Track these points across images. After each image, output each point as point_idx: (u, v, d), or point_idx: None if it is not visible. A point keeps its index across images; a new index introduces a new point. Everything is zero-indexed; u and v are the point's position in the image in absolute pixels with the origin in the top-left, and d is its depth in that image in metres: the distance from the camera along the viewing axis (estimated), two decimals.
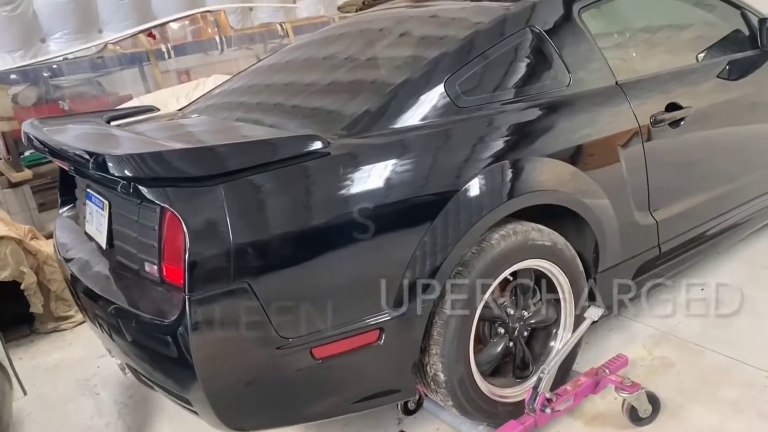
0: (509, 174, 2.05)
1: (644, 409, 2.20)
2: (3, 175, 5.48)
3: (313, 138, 1.82)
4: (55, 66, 5.48)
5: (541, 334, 2.37)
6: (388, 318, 1.89)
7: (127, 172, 1.66)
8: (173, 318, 1.69)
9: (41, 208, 5.43)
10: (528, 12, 2.32)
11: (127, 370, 2.28)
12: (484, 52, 2.18)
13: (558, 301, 2.34)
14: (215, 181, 1.68)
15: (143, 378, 2.01)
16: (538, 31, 2.30)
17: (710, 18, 2.97)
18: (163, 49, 5.87)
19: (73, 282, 2.36)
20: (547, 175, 2.14)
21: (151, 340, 1.80)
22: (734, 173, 2.87)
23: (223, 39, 6.14)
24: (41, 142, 2.13)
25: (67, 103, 5.39)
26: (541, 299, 2.32)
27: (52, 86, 5.41)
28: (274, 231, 1.74)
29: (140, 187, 1.72)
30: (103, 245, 2.14)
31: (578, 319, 2.33)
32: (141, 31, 5.86)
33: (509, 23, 2.27)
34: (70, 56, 5.72)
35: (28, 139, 2.29)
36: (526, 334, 2.31)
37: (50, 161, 5.76)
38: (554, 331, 2.36)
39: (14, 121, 5.24)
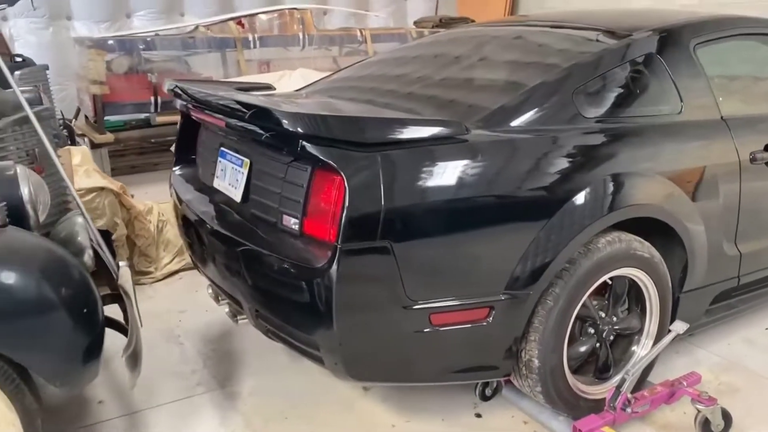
0: (625, 185, 2.22)
1: (717, 423, 2.32)
2: (85, 136, 5.75)
3: (458, 124, 2.01)
4: (148, 39, 5.74)
5: (623, 341, 2.51)
6: (500, 299, 2.06)
7: (300, 129, 1.85)
8: (319, 265, 1.87)
9: (113, 173, 5.69)
10: (653, 41, 2.50)
11: (238, 318, 2.47)
12: (611, 70, 2.36)
13: (643, 312, 2.48)
14: (374, 149, 1.87)
15: (268, 323, 2.19)
16: (660, 59, 2.47)
17: None
18: (250, 38, 6.11)
19: (194, 228, 2.56)
20: (658, 192, 2.31)
21: (292, 284, 1.97)
22: None
23: (306, 37, 6.38)
24: (201, 96, 2.33)
25: (155, 76, 5.65)
26: (629, 308, 2.47)
27: (143, 58, 5.67)
28: (417, 201, 1.92)
29: (306, 144, 1.89)
30: (238, 199, 2.33)
31: (660, 331, 2.47)
32: (232, 18, 6.13)
33: (636, 47, 2.45)
34: (164, 32, 5.99)
35: (181, 93, 2.51)
36: (611, 338, 2.45)
37: (128, 128, 6.03)
38: (636, 338, 2.49)
39: (105, 85, 5.51)
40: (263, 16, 6.27)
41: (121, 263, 2.31)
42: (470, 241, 2.00)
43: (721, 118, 2.59)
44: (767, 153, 2.63)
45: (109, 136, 5.65)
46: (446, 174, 1.96)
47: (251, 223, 2.24)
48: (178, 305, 3.49)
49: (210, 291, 2.71)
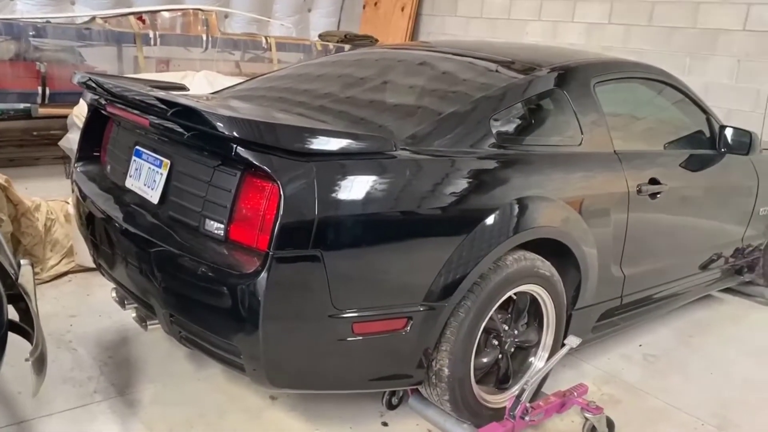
0: (532, 207, 2.39)
1: (602, 431, 2.53)
2: None
3: (389, 141, 2.09)
4: (39, 26, 5.39)
5: (521, 353, 2.67)
6: (418, 310, 2.15)
7: (236, 133, 1.85)
8: (247, 271, 1.87)
9: None
10: (561, 76, 2.72)
11: (147, 323, 2.39)
12: (524, 101, 2.54)
13: (541, 326, 2.66)
14: (310, 159, 1.90)
15: (184, 328, 2.13)
16: (565, 94, 2.69)
17: (682, 116, 3.49)
18: (150, 34, 5.90)
19: (101, 228, 2.45)
20: (560, 216, 2.50)
21: (215, 289, 1.95)
22: (686, 248, 3.35)
23: (210, 38, 6.25)
24: (120, 91, 2.26)
25: (45, 65, 5.31)
26: (527, 322, 2.64)
27: (32, 45, 5.31)
28: (348, 212, 1.97)
29: (240, 149, 1.89)
30: (155, 200, 2.27)
31: (555, 344, 2.66)
32: (134, 13, 5.89)
33: (545, 81, 2.65)
34: (57, 20, 5.65)
35: (95, 86, 2.41)
36: (512, 350, 2.60)
37: (7, 118, 5.62)
38: (534, 350, 2.67)
39: None
40: (166, 14, 6.07)
41: (22, 261, 2.16)
42: (394, 253, 2.08)
43: (614, 151, 2.85)
44: (651, 186, 2.92)
45: None
46: (375, 187, 2.03)
47: (169, 226, 2.18)
48: (68, 309, 3.30)
49: (114, 294, 2.60)
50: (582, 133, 2.73)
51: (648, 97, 3.37)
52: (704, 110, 3.49)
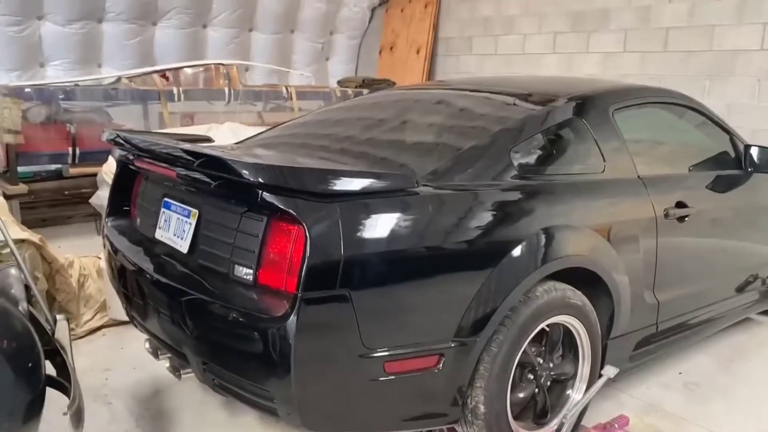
0: (559, 237, 2.38)
1: None
2: None
3: (410, 178, 2.11)
4: (68, 89, 5.59)
5: (558, 386, 2.62)
6: (450, 346, 2.13)
7: (261, 179, 1.88)
8: (277, 315, 1.88)
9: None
10: (579, 106, 2.73)
11: (181, 372, 2.40)
12: (544, 131, 2.55)
13: (576, 358, 2.61)
14: (333, 200, 1.93)
15: (217, 375, 2.14)
16: (584, 122, 2.70)
17: (705, 138, 3.46)
18: (174, 90, 6.08)
19: (133, 280, 2.49)
20: (588, 244, 2.48)
21: (246, 335, 1.96)
22: (720, 272, 3.29)
23: (232, 91, 6.41)
24: (147, 146, 2.32)
25: (74, 126, 5.49)
26: (563, 354, 2.60)
27: (62, 108, 5.50)
28: (374, 250, 1.98)
29: (265, 194, 1.92)
30: (185, 250, 2.30)
31: (592, 375, 2.61)
32: (157, 71, 6.09)
33: (564, 111, 2.67)
34: (84, 83, 5.86)
35: (123, 143, 2.48)
36: (548, 383, 2.56)
37: (40, 180, 5.80)
38: (571, 383, 2.61)
39: (20, 135, 5.29)
40: (188, 70, 6.27)
41: (58, 317, 2.21)
42: (422, 289, 2.07)
43: (638, 177, 2.83)
44: (678, 209, 2.89)
45: (23, 187, 5.38)
46: (399, 224, 2.04)
47: (199, 274, 2.21)
48: (102, 363, 3.33)
49: (148, 345, 2.63)
50: (604, 160, 2.72)
51: (669, 121, 3.36)
52: (727, 131, 3.46)
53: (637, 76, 6.24)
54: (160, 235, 2.50)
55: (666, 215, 2.84)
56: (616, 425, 2.51)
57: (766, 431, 2.82)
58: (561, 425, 2.35)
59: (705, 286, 3.23)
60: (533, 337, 2.43)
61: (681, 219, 2.91)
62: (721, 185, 3.27)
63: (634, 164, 2.85)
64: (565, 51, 7.05)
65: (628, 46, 6.46)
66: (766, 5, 5.43)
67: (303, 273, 1.84)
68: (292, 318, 1.85)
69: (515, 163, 2.44)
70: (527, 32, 7.43)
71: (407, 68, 8.74)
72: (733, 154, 3.46)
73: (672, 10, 6.08)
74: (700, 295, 3.21)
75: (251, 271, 2.02)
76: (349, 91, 7.23)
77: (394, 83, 7.78)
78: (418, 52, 8.70)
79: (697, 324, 3.24)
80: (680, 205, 2.91)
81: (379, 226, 1.99)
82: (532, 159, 2.57)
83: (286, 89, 6.84)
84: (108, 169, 4.77)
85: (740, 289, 3.50)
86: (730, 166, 3.42)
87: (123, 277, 2.63)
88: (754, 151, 3.36)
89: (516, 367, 2.41)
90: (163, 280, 2.30)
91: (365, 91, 7.02)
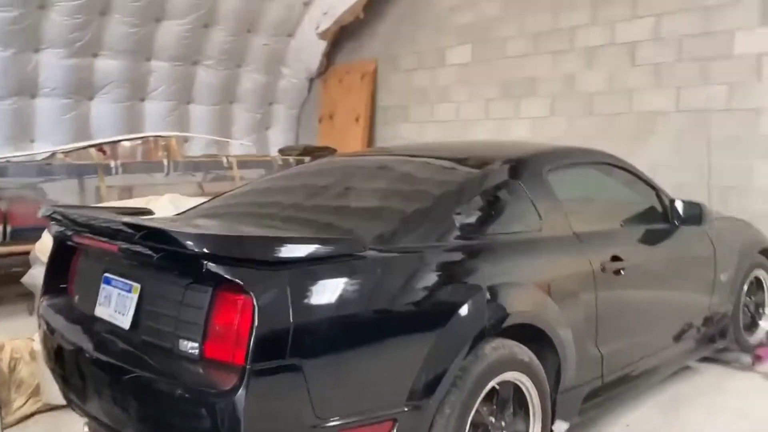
0: (504, 294, 2.43)
1: None
2: None
3: (357, 243, 2.14)
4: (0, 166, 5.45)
5: None
6: (403, 410, 2.12)
7: (206, 249, 1.87)
8: (225, 388, 1.83)
9: None
10: (515, 168, 2.85)
11: None
12: (484, 194, 2.65)
13: (527, 415, 2.63)
14: (281, 267, 1.93)
15: None
16: (520, 184, 2.81)
17: (633, 194, 3.65)
18: (112, 164, 6.00)
19: (71, 361, 2.40)
20: (531, 300, 2.55)
21: (193, 411, 1.90)
22: (657, 322, 3.41)
23: (171, 163, 6.38)
24: (86, 220, 2.28)
25: (6, 203, 5.32)
26: (514, 412, 2.61)
27: None
28: (324, 317, 1.98)
29: (210, 265, 1.90)
30: (126, 326, 2.24)
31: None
32: (94, 145, 6.01)
33: (501, 174, 2.78)
34: (17, 159, 5.73)
35: (60, 218, 2.43)
36: None
37: None
38: None
39: None
40: (126, 143, 6.22)
41: None
42: (374, 353, 2.07)
43: (574, 233, 2.95)
44: (614, 263, 3.01)
45: None
46: (348, 289, 2.05)
47: (142, 351, 2.15)
48: None
49: (87, 429, 2.50)
50: (541, 219, 2.83)
51: (599, 179, 3.53)
52: (653, 186, 3.66)
53: (566, 138, 6.55)
54: (100, 312, 2.42)
55: (603, 269, 2.95)
56: None
57: None
58: None
59: (645, 337, 3.33)
60: (484, 397, 2.45)
61: (617, 272, 3.02)
62: (651, 238, 3.44)
63: (569, 222, 2.96)
64: (498, 117, 7.35)
65: (556, 111, 6.80)
66: (678, 71, 5.85)
67: (251, 344, 1.82)
68: (242, 391, 1.81)
69: (458, 224, 2.52)
70: (460, 100, 7.74)
71: (347, 136, 8.91)
72: (660, 209, 3.64)
73: (594, 76, 6.47)
74: (641, 345, 3.31)
75: (197, 345, 1.98)
76: (291, 159, 7.30)
77: (335, 150, 7.91)
78: (357, 120, 8.91)
79: (640, 374, 3.32)
80: (615, 258, 3.03)
81: (328, 292, 2.00)
82: (473, 219, 2.65)
83: (227, 159, 6.85)
84: (42, 247, 4.60)
85: (677, 338, 3.63)
86: (658, 220, 3.59)
87: (60, 358, 2.52)
88: (679, 205, 3.55)
89: (469, 428, 2.41)
90: (104, 358, 2.22)
91: (307, 159, 7.10)
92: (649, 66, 6.06)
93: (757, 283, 4.37)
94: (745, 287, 4.17)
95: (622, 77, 6.26)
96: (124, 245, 2.19)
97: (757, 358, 4.15)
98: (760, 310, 4.41)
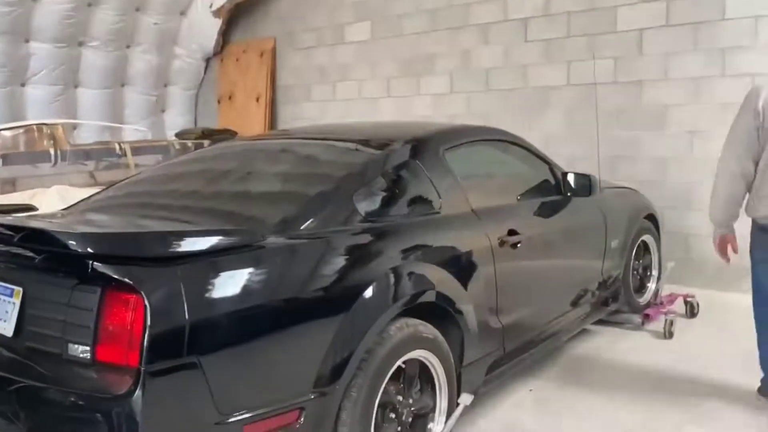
0: (406, 275, 2.46)
1: None
2: None
3: (254, 232, 2.10)
4: None
5: (419, 420, 2.68)
6: (309, 398, 2.11)
7: (90, 249, 1.77)
8: (119, 392, 1.76)
9: None
10: (412, 149, 2.87)
11: None
12: (383, 175, 2.65)
13: (433, 390, 2.69)
14: (172, 263, 1.86)
15: None
16: (419, 164, 2.84)
17: (528, 169, 3.77)
18: None
19: None
20: (434, 279, 2.59)
21: (87, 418, 1.81)
22: (555, 290, 3.56)
23: (58, 152, 6.01)
24: None
25: None
26: (421, 389, 2.66)
27: None
28: (221, 311, 1.93)
29: (96, 265, 1.81)
30: (9, 333, 2.10)
31: (450, 406, 2.69)
32: None
33: (398, 155, 2.79)
34: None
35: None
36: (410, 419, 2.60)
37: None
38: (431, 416, 2.68)
39: None
40: (6, 133, 5.79)
41: None
42: (277, 344, 2.04)
43: (472, 210, 3.02)
44: (511, 237, 3.11)
45: None
46: (246, 281, 2.01)
47: (28, 358, 2.02)
48: None
49: None
50: (440, 198, 2.87)
51: (495, 156, 3.63)
52: (545, 160, 3.79)
53: (465, 115, 6.69)
54: None
55: (500, 244, 3.04)
56: None
57: None
58: None
59: (543, 305, 3.48)
60: (391, 376, 2.48)
61: (514, 246, 3.13)
62: (545, 211, 3.58)
63: (467, 199, 3.03)
64: (399, 95, 7.40)
65: (455, 87, 6.92)
66: (567, 46, 6.08)
67: (145, 345, 1.75)
68: (137, 394, 1.74)
69: (360, 207, 2.51)
70: (362, 78, 7.71)
71: (248, 117, 8.70)
72: (553, 182, 3.78)
73: (489, 52, 6.62)
74: (540, 313, 3.45)
75: (88, 348, 1.88)
76: (189, 143, 7.06)
77: (235, 133, 7.71)
78: (257, 100, 8.71)
79: (540, 341, 3.47)
80: (512, 232, 3.13)
81: (225, 285, 1.95)
82: (375, 202, 2.65)
83: (119, 146, 6.54)
84: None
85: (574, 304, 3.81)
86: (552, 193, 3.74)
87: None
88: (570, 178, 3.70)
89: (377, 408, 2.43)
90: None
91: (206, 142, 6.89)
92: (540, 42, 6.26)
93: (644, 247, 4.65)
94: (634, 252, 4.43)
95: (516, 53, 6.44)
96: (3, 248, 2.04)
97: (646, 317, 4.45)
98: (648, 273, 4.71)
